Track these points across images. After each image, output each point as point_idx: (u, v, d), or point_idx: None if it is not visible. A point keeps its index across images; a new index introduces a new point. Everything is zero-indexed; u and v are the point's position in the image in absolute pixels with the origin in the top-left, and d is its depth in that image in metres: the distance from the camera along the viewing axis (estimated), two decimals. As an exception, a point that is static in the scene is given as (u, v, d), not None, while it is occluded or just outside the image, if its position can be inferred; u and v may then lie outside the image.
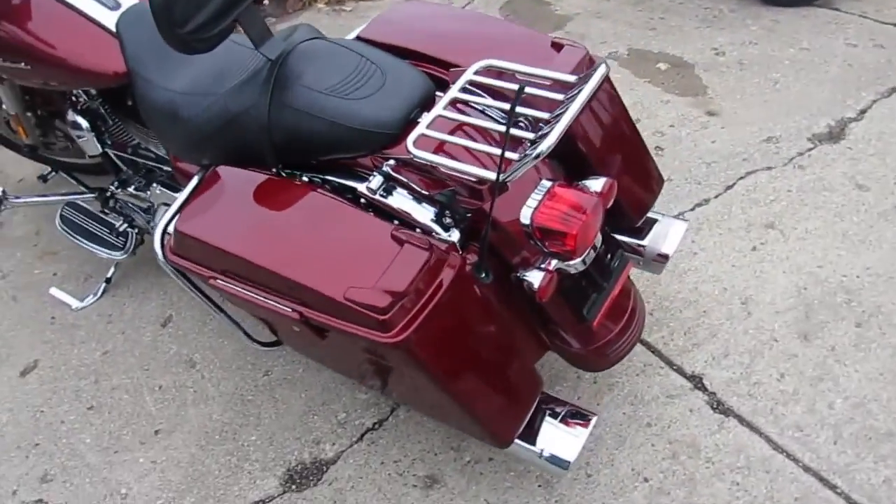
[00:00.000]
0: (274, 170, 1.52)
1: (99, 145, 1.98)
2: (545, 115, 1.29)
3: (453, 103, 1.36)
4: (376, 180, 1.40)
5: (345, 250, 1.27)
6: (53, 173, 2.19)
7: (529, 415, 1.41)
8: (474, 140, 1.34)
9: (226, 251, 1.33)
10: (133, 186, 2.04)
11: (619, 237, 1.72)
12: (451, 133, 1.35)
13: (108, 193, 2.11)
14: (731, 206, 2.26)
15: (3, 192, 2.15)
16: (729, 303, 1.96)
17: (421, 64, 1.60)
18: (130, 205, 2.11)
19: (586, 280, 1.46)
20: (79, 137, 1.97)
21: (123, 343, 2.10)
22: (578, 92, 1.26)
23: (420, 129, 1.30)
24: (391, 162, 1.40)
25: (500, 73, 1.44)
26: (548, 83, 1.37)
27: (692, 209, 2.26)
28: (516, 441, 1.44)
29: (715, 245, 2.13)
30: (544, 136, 1.21)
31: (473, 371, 1.31)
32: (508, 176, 1.21)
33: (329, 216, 1.33)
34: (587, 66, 1.55)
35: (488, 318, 1.33)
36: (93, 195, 2.17)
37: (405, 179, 1.39)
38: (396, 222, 1.41)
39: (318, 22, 3.54)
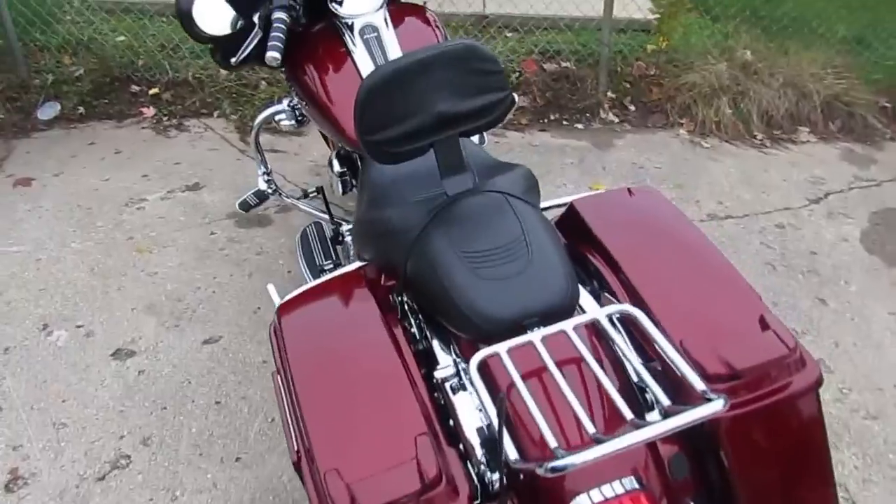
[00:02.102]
0: (399, 298, 1.45)
1: (341, 189, 2.10)
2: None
3: (557, 339, 1.10)
4: (446, 371, 1.23)
5: (365, 427, 1.13)
6: (316, 193, 2.39)
7: None
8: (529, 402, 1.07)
9: (285, 361, 1.29)
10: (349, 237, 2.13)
11: None
12: (528, 373, 1.10)
13: (341, 231, 2.23)
14: None
15: (277, 189, 2.40)
16: None
17: (600, 260, 1.36)
18: (347, 251, 2.21)
19: None
20: (329, 175, 2.12)
21: (281, 362, 2.22)
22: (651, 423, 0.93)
23: (491, 350, 1.09)
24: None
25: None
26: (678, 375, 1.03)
27: None
28: None
29: None
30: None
31: None
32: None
33: (382, 385, 1.19)
34: (793, 368, 1.14)
35: None
36: (332, 225, 2.32)
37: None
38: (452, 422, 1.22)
39: (668, 147, 3.32)
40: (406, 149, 1.37)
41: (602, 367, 1.09)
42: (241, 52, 1.84)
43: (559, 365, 1.09)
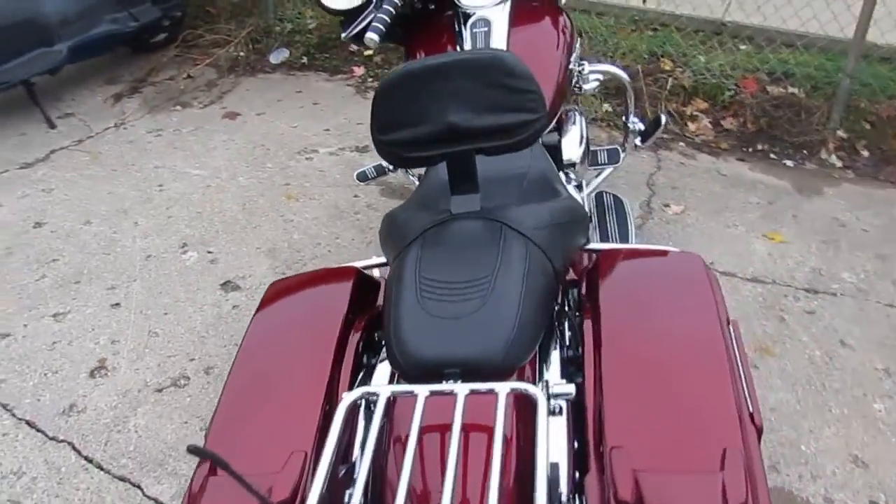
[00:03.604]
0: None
1: None
2: None
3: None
4: (353, 395, 1.13)
5: (258, 428, 1.10)
6: (430, 177, 2.36)
7: None
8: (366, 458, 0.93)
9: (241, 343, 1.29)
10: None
11: None
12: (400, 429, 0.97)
13: None
14: None
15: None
16: None
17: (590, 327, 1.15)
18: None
19: None
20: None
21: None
22: None
23: (371, 389, 0.99)
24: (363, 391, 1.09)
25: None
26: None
27: None
28: None
29: None
30: None
31: None
32: None
33: (296, 393, 1.14)
34: None
35: None
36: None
37: None
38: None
39: (892, 209, 2.71)
40: (414, 155, 1.28)
41: (467, 444, 0.93)
42: (351, 27, 1.85)
43: (425, 430, 0.95)
